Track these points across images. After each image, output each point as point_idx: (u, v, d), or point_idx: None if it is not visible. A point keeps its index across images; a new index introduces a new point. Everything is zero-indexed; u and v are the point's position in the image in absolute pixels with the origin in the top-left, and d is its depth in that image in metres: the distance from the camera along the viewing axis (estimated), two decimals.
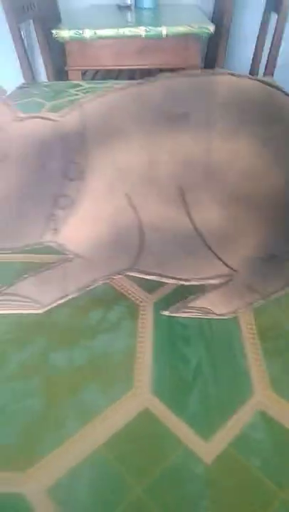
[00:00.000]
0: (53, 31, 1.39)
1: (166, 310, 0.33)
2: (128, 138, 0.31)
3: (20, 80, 2.09)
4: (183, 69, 1.56)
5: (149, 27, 1.40)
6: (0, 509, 0.22)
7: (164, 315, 0.33)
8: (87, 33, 1.39)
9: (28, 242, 0.33)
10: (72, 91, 0.83)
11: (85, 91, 0.82)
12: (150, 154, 0.31)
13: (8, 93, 0.87)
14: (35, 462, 0.24)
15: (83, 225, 0.32)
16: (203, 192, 0.30)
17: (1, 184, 0.31)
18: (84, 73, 1.69)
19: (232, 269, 0.31)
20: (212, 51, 1.93)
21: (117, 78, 1.85)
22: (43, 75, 2.26)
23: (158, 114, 0.31)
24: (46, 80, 1.81)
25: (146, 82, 0.31)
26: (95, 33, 1.40)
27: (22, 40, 1.46)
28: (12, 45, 1.52)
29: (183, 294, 0.34)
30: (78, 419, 0.26)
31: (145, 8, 1.89)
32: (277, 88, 0.28)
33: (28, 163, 0.31)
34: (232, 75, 0.29)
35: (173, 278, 0.32)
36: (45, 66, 1.74)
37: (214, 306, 0.32)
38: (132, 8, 1.92)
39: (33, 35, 2.07)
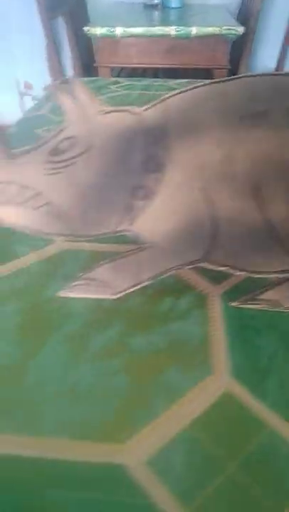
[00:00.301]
0: (85, 28, 1.41)
1: (234, 301, 0.34)
2: (208, 133, 0.32)
3: (45, 76, 2.11)
4: (209, 69, 1.58)
5: (180, 27, 1.41)
6: (104, 479, 0.23)
7: (232, 307, 0.34)
8: (118, 31, 1.40)
9: (105, 231, 0.34)
10: (113, 87, 0.84)
11: (125, 87, 0.84)
12: (229, 150, 0.32)
13: (36, 91, 0.89)
14: (132, 435, 0.25)
15: (159, 215, 0.33)
16: (278, 189, 0.32)
17: (84, 174, 0.33)
18: (111, 70, 1.71)
19: None
20: (236, 51, 1.94)
21: (143, 76, 1.86)
22: (69, 72, 2.28)
23: (238, 111, 0.32)
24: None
25: (228, 79, 0.33)
26: (126, 31, 1.41)
27: (53, 37, 1.48)
28: (36, 40, 1.54)
29: (249, 286, 0.35)
30: (164, 398, 0.27)
31: (172, 8, 1.90)
32: None
33: (110, 154, 0.33)
34: None
35: (243, 270, 0.33)
36: (74, 62, 1.76)
37: (284, 298, 0.34)
38: (159, 7, 1.93)
39: (59, 32, 2.08)
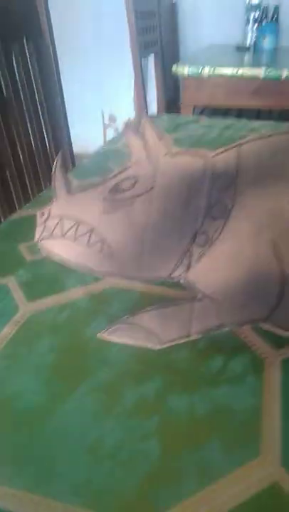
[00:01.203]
0: (173, 67, 1.44)
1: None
2: (282, 185, 0.29)
3: (131, 111, 2.20)
4: None
5: (270, 68, 1.39)
6: None
7: None
8: (206, 71, 1.42)
9: (159, 275, 0.32)
10: (193, 126, 0.83)
11: (204, 127, 0.83)
12: None
13: (119, 124, 0.90)
14: None
15: (219, 265, 0.30)
16: None
17: (142, 214, 0.31)
18: (194, 109, 1.73)
19: None
20: None
21: (226, 115, 1.87)
22: (151, 108, 2.35)
23: None
24: (155, 112, 1.88)
25: None
26: (213, 71, 1.42)
27: (142, 74, 1.53)
28: (125, 75, 1.60)
29: None
30: (198, 477, 0.23)
31: (265, 50, 1.90)
32: None
33: (172, 197, 0.31)
34: None
35: None
36: (158, 99, 1.81)
37: None
38: (251, 49, 1.94)
39: (148, 69, 2.17)
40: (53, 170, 0.32)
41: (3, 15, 0.74)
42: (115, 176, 0.32)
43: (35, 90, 0.83)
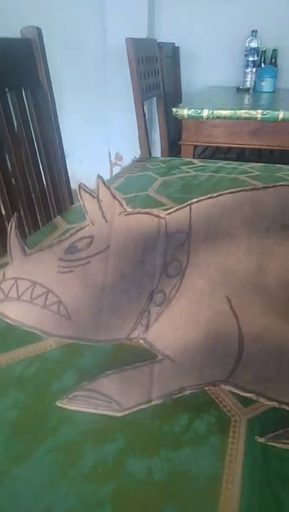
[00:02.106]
0: (173, 109, 1.49)
1: (261, 435, 0.29)
2: (237, 241, 0.29)
3: (137, 150, 2.26)
4: None
5: (267, 110, 1.43)
6: None
7: (258, 442, 0.29)
8: (205, 113, 1.46)
9: (116, 337, 0.31)
10: (185, 168, 0.85)
11: (196, 169, 0.84)
12: (259, 260, 0.29)
13: (127, 164, 0.92)
14: None
15: (177, 324, 0.30)
16: None
17: (98, 275, 0.31)
18: (195, 147, 1.77)
19: None
20: None
21: (226, 154, 1.90)
22: (156, 147, 2.41)
23: (271, 221, 0.29)
24: (160, 152, 1.92)
25: (261, 188, 0.30)
26: (212, 113, 1.46)
27: (144, 116, 1.58)
28: (131, 117, 1.66)
29: (283, 417, 0.30)
30: None
31: (264, 92, 1.95)
32: None
33: (128, 256, 0.31)
34: None
35: (274, 400, 0.28)
36: (161, 140, 1.86)
37: None
38: (251, 91, 2.00)
39: (153, 110, 2.24)
40: (8, 232, 0.32)
41: (2, 64, 0.78)
42: (71, 235, 0.32)
43: (33, 136, 0.86)
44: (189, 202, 0.31)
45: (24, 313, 0.31)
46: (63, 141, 0.95)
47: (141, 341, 0.30)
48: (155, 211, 0.31)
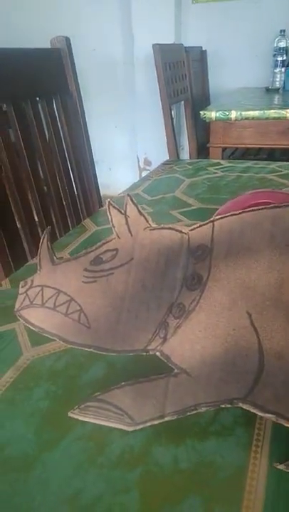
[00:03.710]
0: (201, 112, 1.49)
1: (280, 461, 0.26)
2: (258, 256, 0.30)
3: (165, 155, 2.27)
4: None
5: None
6: None
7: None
8: (233, 114, 1.45)
9: (134, 348, 0.32)
10: (212, 169, 0.85)
11: (224, 169, 0.84)
12: (280, 276, 0.29)
13: (154, 167, 0.94)
14: None
15: (195, 338, 0.30)
16: None
17: (120, 285, 0.32)
18: (224, 150, 1.76)
19: None
20: None
21: (256, 155, 1.88)
22: (185, 151, 2.42)
23: None
24: (188, 155, 1.93)
25: (282, 205, 0.30)
26: (241, 114, 1.46)
27: (172, 120, 1.59)
28: (159, 124, 1.67)
29: None
30: None
31: None
32: None
33: (150, 268, 0.32)
34: None
35: None
36: (189, 143, 1.86)
37: None
38: (281, 91, 1.97)
39: (181, 114, 2.25)
40: (40, 243, 0.34)
41: (33, 74, 0.81)
42: (97, 248, 0.33)
43: (63, 143, 0.89)
44: (212, 219, 0.31)
45: (46, 319, 0.32)
46: (92, 147, 0.98)
47: (157, 353, 0.30)
48: (178, 227, 0.32)
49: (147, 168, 2.54)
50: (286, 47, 2.06)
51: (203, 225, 0.32)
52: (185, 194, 0.73)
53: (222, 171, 0.83)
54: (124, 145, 2.64)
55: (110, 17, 2.41)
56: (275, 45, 2.09)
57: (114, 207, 0.34)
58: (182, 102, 1.91)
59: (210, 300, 0.29)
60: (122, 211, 0.34)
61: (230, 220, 0.31)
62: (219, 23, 2.29)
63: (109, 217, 0.34)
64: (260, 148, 1.88)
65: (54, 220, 0.87)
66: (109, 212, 0.34)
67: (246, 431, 0.29)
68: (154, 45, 1.53)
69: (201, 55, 2.21)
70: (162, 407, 0.28)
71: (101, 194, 1.03)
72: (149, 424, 0.28)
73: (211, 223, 0.31)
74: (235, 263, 0.29)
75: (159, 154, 2.35)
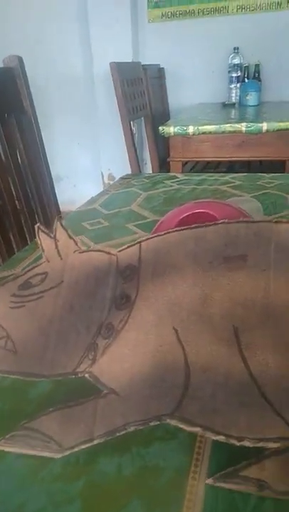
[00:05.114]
0: (160, 128, 1.52)
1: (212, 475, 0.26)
2: (182, 274, 0.31)
3: (129, 170, 2.30)
4: (283, 161, 1.58)
5: (250, 123, 1.46)
6: None
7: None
8: (191, 129, 1.49)
9: (63, 371, 0.31)
10: (169, 182, 0.87)
11: (180, 182, 0.87)
12: (204, 291, 0.30)
13: (112, 183, 0.95)
14: None
15: (123, 357, 0.30)
16: (259, 335, 0.28)
17: (50, 308, 0.32)
18: (185, 164, 1.80)
19: None
20: None
21: (216, 168, 1.93)
22: (148, 166, 2.46)
23: (215, 254, 0.31)
24: (151, 170, 1.96)
25: (204, 225, 0.32)
26: (198, 129, 1.50)
27: (132, 136, 1.62)
28: (120, 140, 1.70)
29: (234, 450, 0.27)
30: None
31: (249, 106, 2.00)
32: None
33: (79, 289, 0.33)
34: None
35: (221, 434, 0.26)
36: (151, 158, 1.89)
37: (273, 480, 0.24)
38: (237, 105, 2.05)
39: (142, 130, 2.29)
40: None
41: None
42: (26, 272, 0.34)
43: (19, 160, 0.89)
44: (139, 240, 0.33)
45: None
46: (56, 165, 0.98)
47: (86, 375, 0.30)
48: (107, 249, 0.34)
49: (112, 183, 2.56)
50: (240, 63, 2.15)
51: (131, 246, 0.33)
52: (141, 207, 0.74)
53: (178, 184, 0.85)
54: (88, 161, 2.66)
55: (70, 37, 2.44)
56: (230, 61, 2.18)
57: (43, 231, 0.35)
58: (142, 118, 1.95)
59: (138, 318, 0.30)
60: (52, 235, 0.35)
61: (155, 241, 0.32)
62: (175, 41, 2.36)
63: (39, 242, 0.35)
64: (219, 162, 1.93)
65: (11, 234, 0.87)
66: (39, 237, 0.35)
67: (189, 434, 0.30)
68: (111, 63, 1.56)
69: (159, 73, 2.26)
70: (91, 430, 0.27)
71: (67, 210, 1.04)
72: (76, 449, 0.27)
73: (138, 244, 0.33)
74: (162, 281, 0.30)
75: (123, 169, 2.38)
